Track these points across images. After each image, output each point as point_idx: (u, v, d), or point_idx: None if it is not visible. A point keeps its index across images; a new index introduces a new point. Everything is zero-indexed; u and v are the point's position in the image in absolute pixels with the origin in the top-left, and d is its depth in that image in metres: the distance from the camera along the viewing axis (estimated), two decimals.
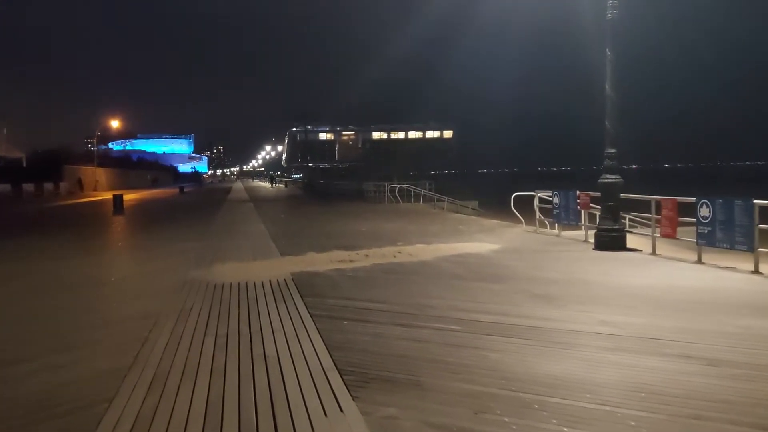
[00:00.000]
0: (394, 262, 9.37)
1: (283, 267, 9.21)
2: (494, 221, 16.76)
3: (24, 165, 56.54)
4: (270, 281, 8.02)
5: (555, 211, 12.77)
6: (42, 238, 15.28)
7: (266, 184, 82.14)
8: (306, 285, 7.66)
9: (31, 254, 11.89)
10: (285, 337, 5.26)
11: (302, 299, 6.81)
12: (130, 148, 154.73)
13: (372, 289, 7.33)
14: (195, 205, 32.06)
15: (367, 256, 10.06)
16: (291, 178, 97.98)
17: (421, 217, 19.38)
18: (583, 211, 11.92)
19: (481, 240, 12.15)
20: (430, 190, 29.40)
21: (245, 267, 9.40)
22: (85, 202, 36.95)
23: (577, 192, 11.98)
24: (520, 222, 15.10)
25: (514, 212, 16.66)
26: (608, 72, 10.23)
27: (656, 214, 9.69)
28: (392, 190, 28.71)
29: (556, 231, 13.14)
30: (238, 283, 7.92)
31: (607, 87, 10.25)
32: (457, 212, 25.70)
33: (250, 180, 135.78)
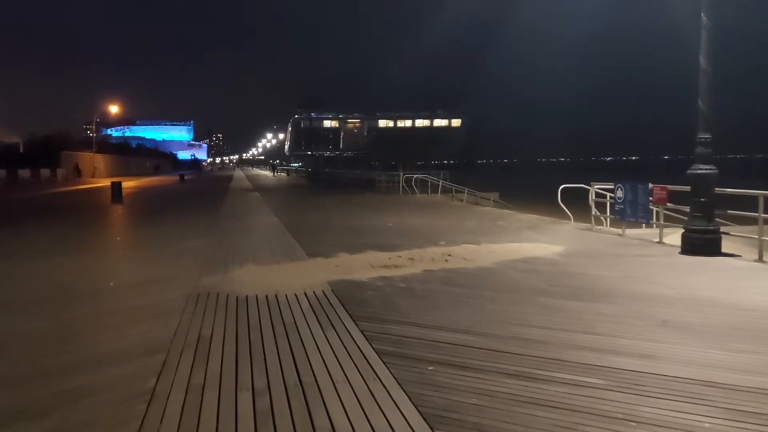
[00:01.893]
0: (449, 269, 7.72)
1: (315, 273, 7.56)
2: (533, 216, 15.09)
3: (21, 150, 54.70)
4: (305, 293, 6.39)
5: (617, 207, 11.10)
6: (28, 230, 13.61)
7: (267, 173, 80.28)
8: (352, 301, 6.02)
9: (7, 251, 10.20)
10: (354, 394, 3.62)
11: (355, 324, 5.18)
12: (129, 134, 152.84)
13: (440, 309, 5.68)
14: (198, 194, 30.38)
15: (411, 259, 8.41)
16: (291, 166, 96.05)
17: (447, 211, 17.72)
18: (657, 208, 10.28)
19: (535, 240, 10.50)
20: (443, 180, 27.73)
21: (269, 272, 7.75)
22: (82, 189, 35.26)
23: (650, 185, 10.31)
24: (566, 217, 13.49)
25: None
26: (703, 41, 8.53)
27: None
28: (407, 181, 27.01)
29: (617, 229, 11.52)
30: (266, 296, 6.29)
31: (701, 60, 8.56)
32: (477, 204, 24.12)
33: (250, 168, 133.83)
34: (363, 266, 7.97)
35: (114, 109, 73.53)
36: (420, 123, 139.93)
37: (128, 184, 40.35)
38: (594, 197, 12.12)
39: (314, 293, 6.41)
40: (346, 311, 5.61)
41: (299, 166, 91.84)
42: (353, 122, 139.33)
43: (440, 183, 25.57)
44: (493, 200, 26.66)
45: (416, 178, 26.84)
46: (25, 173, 46.25)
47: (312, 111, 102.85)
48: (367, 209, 18.30)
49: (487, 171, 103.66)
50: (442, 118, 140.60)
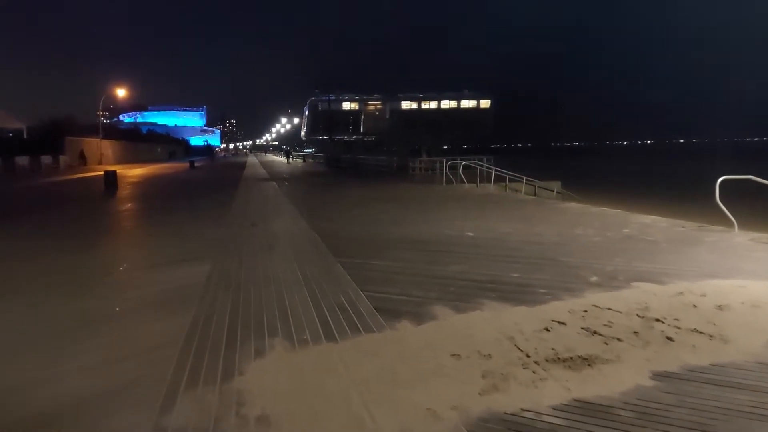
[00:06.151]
0: (701, 371, 3.67)
1: (418, 379, 3.56)
2: (659, 218, 10.93)
3: (25, 137, 51.40)
4: None
5: None
6: None
7: (282, 159, 76.27)
8: None
9: None
10: None
11: None
12: (141, 120, 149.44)
13: None
14: (206, 184, 26.44)
15: (594, 333, 4.37)
16: (305, 152, 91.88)
17: (526, 209, 13.59)
18: None
19: (737, 270, 6.41)
20: (489, 165, 23.58)
21: (320, 378, 3.75)
22: (81, 178, 31.53)
23: None
24: (718, 222, 9.43)
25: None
26: None
27: None
28: (452, 168, 22.86)
29: None
30: None
31: None
32: (536, 195, 20.09)
33: (263, 154, 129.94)
34: (503, 352, 3.95)
35: (121, 92, 69.85)
36: (446, 104, 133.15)
37: (134, 172, 36.73)
38: None
39: None
40: None
41: (314, 152, 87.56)
42: (374, 104, 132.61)
43: (493, 171, 21.39)
44: (555, 191, 22.54)
45: (463, 165, 22.69)
46: (23, 161, 42.76)
47: (330, 93, 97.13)
48: (418, 207, 14.24)
49: (522, 155, 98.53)
50: (469, 99, 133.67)
